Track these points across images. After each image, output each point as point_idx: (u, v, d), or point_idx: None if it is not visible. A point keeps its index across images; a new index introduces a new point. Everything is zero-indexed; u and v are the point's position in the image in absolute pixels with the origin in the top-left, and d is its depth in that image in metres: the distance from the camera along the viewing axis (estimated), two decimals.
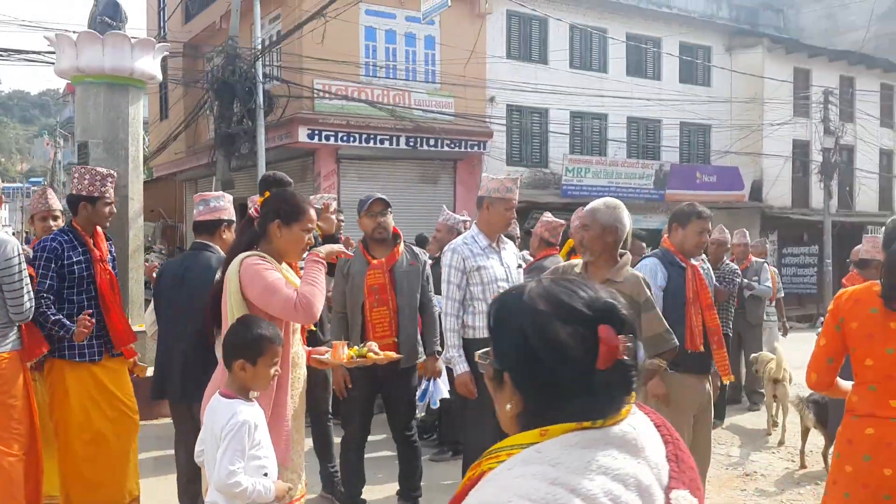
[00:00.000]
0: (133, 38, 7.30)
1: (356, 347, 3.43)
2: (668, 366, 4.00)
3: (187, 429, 4.08)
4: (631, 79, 21.58)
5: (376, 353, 3.43)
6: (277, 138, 17.07)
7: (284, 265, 3.25)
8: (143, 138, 31.10)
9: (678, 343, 3.57)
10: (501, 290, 4.21)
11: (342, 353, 3.32)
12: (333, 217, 5.87)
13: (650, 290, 3.56)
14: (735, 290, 7.45)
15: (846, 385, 3.00)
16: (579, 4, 20.57)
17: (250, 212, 3.16)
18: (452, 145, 18.51)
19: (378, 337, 4.37)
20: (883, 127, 26.79)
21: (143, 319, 7.60)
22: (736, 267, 7.63)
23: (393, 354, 3.55)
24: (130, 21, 7.59)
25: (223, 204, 4.32)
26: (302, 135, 16.63)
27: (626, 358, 1.17)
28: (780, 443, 6.80)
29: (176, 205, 25.61)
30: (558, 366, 1.17)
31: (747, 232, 8.48)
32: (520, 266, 4.66)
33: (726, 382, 4.23)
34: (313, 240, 3.40)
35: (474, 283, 4.29)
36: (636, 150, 22.35)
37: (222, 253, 3.99)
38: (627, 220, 3.62)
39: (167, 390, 4.26)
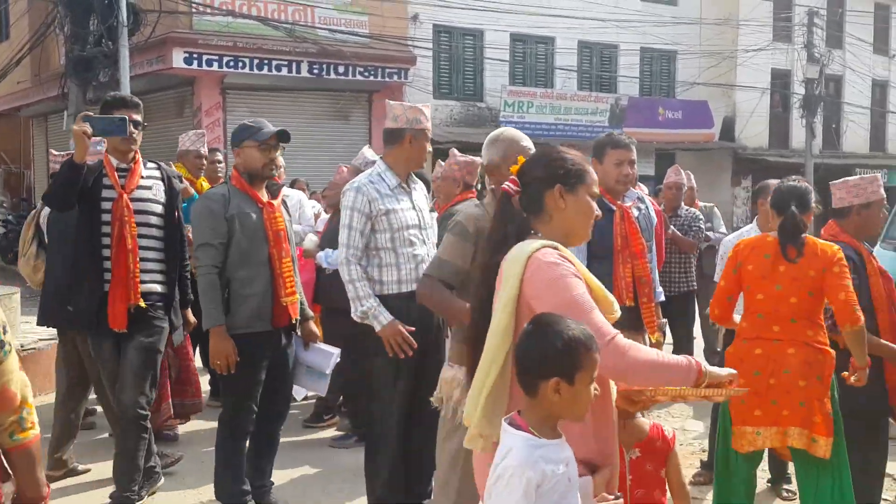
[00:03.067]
0: None
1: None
2: None
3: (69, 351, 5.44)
4: None
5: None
6: (147, 63, 16.66)
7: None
8: None
9: None
10: (413, 240, 4.32)
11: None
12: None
13: None
14: (702, 237, 7.69)
15: (737, 318, 4.31)
16: None
17: (504, 186, 2.71)
18: (367, 73, 18.40)
19: (288, 294, 4.49)
20: (876, 54, 27.74)
21: None
22: (697, 212, 7.85)
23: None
24: None
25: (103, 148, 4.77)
26: (177, 59, 16.30)
27: None
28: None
29: (21, 147, 24.81)
30: None
31: (692, 174, 8.72)
32: (431, 210, 4.71)
33: (653, 340, 4.42)
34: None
35: (381, 229, 4.27)
36: (588, 81, 22.63)
37: None
38: None
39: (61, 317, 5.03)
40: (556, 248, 2.54)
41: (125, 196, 4.37)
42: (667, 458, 3.09)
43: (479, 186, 6.66)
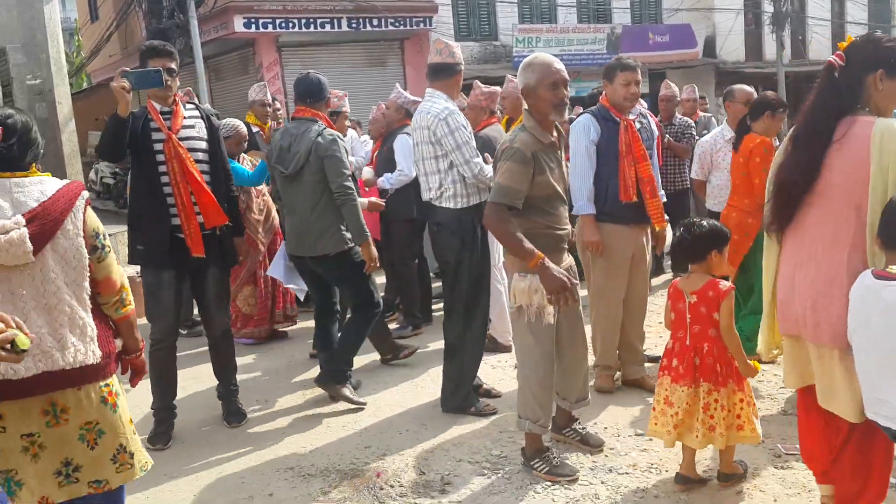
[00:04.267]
0: None
1: None
2: (603, 217, 4.23)
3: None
4: None
5: None
6: (213, 30, 16.44)
7: None
8: (77, 44, 29.81)
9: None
10: (477, 154, 4.17)
11: None
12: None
13: None
14: (694, 143, 7.51)
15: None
16: None
17: (831, 59, 2.57)
18: (397, 24, 17.98)
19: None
20: None
21: None
22: (689, 121, 7.69)
23: None
24: None
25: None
26: (238, 24, 16.03)
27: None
28: None
29: None
30: None
31: (696, 87, 8.50)
32: None
33: (658, 229, 4.36)
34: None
35: None
36: (587, 14, 21.90)
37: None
38: None
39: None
40: None
41: (173, 136, 3.95)
42: (719, 304, 3.13)
43: (500, 112, 6.54)
